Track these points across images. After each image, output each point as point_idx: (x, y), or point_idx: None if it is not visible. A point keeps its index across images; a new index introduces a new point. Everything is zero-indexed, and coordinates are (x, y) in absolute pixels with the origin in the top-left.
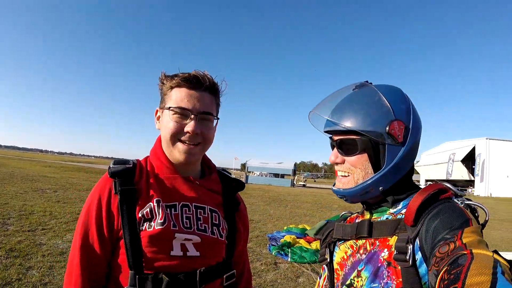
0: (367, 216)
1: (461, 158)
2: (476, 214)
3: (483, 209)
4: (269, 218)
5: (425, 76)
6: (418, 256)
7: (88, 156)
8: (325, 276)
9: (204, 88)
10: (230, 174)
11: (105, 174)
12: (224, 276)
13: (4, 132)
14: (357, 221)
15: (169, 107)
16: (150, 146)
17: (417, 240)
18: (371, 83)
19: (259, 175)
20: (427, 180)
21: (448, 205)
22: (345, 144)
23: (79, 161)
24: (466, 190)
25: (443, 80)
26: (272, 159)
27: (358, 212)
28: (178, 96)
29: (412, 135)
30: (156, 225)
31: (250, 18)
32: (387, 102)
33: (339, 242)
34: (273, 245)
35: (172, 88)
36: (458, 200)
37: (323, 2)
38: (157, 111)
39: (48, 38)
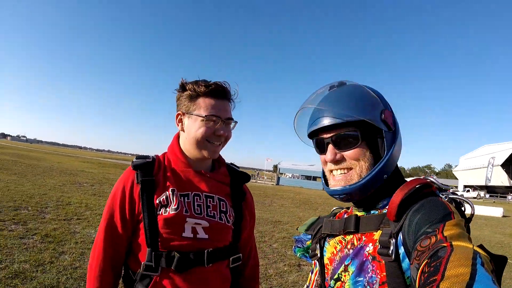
0: (355, 211)
1: (501, 162)
2: (463, 208)
3: (468, 203)
4: (298, 221)
5: (467, 77)
6: (401, 250)
7: (125, 153)
8: (317, 271)
9: (226, 97)
10: (238, 167)
11: (129, 167)
12: (231, 258)
13: (45, 128)
14: (345, 216)
15: (203, 115)
16: None
17: (400, 235)
18: (346, 82)
19: (291, 177)
20: (465, 186)
21: (431, 199)
22: (343, 139)
23: (117, 158)
24: (505, 197)
25: (483, 80)
26: (305, 161)
27: (347, 208)
28: (209, 105)
29: (397, 123)
30: (170, 210)
31: (294, 21)
32: (373, 93)
33: (329, 238)
34: (298, 247)
35: (199, 96)
36: (442, 194)
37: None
38: (179, 114)
39: (88, 35)
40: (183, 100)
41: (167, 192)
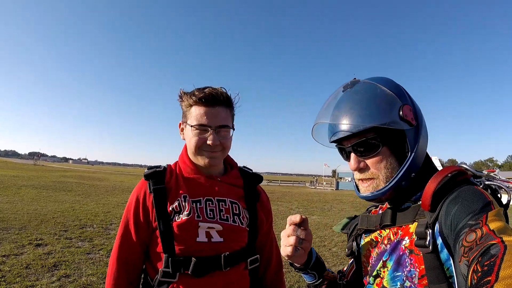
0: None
1: None
2: (498, 195)
3: (504, 189)
4: None
5: None
6: (439, 241)
7: None
8: (352, 266)
9: (219, 103)
10: (251, 170)
11: (142, 178)
12: (248, 260)
13: (106, 150)
14: (380, 212)
15: (191, 125)
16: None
17: (437, 225)
18: (359, 80)
19: (350, 181)
20: None
21: (467, 188)
22: (363, 146)
23: None
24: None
25: None
26: None
27: (381, 203)
28: (197, 114)
29: (419, 114)
30: (183, 216)
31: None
32: (388, 91)
33: (365, 235)
34: None
35: (191, 105)
36: (477, 181)
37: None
38: (180, 124)
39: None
40: (182, 110)
41: (179, 199)
